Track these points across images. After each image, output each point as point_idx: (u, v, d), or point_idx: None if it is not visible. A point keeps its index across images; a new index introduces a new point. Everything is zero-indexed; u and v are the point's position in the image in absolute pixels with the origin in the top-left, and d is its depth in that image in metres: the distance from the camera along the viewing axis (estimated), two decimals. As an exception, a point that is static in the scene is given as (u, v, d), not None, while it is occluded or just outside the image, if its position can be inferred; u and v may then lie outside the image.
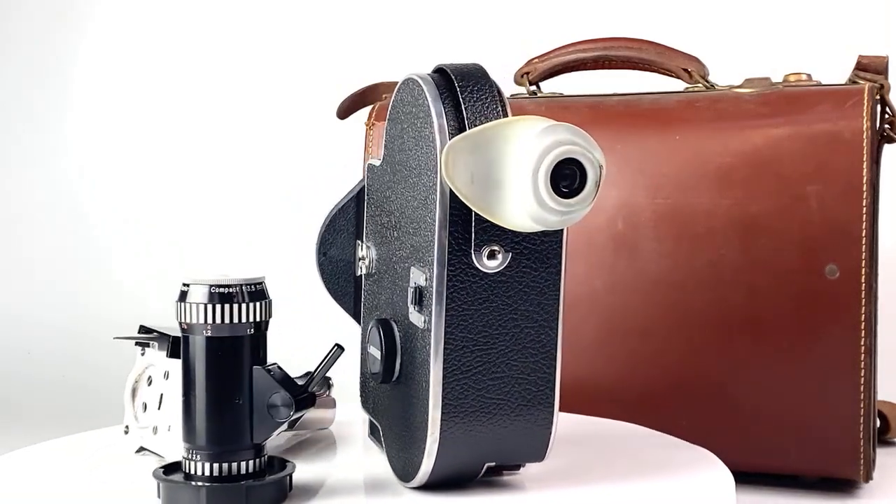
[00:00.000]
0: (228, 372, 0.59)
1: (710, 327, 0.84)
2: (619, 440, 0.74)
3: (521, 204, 0.56)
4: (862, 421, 0.82)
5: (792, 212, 0.83)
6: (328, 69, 1.46)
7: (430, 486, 0.61)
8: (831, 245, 0.82)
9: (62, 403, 1.22)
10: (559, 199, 0.56)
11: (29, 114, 1.63)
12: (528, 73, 0.96)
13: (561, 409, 0.80)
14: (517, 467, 0.63)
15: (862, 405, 0.82)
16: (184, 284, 0.59)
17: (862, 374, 0.82)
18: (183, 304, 0.59)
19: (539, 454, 0.62)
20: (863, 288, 0.81)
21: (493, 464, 0.62)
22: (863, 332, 0.81)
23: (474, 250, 0.58)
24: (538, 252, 0.59)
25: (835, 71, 0.89)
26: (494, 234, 0.58)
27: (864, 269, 0.81)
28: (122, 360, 1.31)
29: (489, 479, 0.63)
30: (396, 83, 0.99)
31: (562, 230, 0.59)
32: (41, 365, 1.35)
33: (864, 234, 0.81)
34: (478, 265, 0.58)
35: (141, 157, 1.59)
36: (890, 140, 0.85)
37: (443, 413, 0.59)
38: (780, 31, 1.35)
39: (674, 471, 0.67)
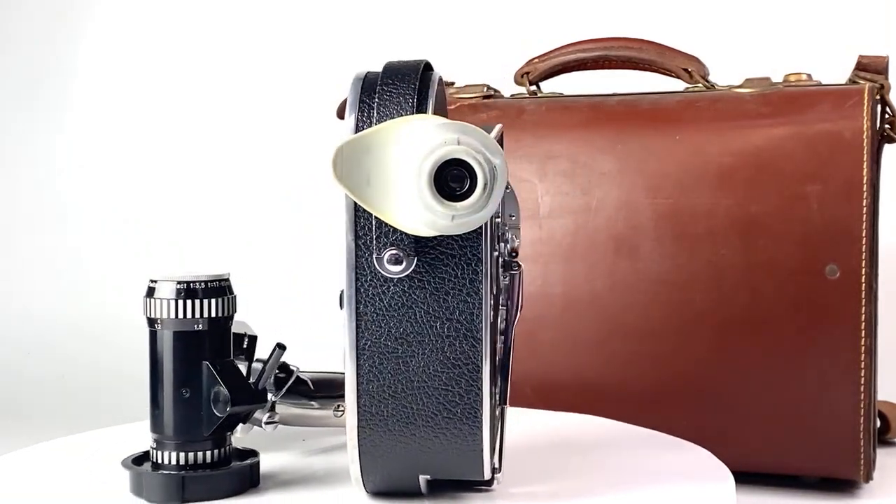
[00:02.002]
0: (175, 365, 0.61)
1: (711, 327, 0.84)
2: (619, 440, 0.74)
3: (411, 207, 0.53)
4: (862, 421, 0.82)
5: (792, 212, 0.83)
6: (328, 69, 1.46)
7: (384, 494, 0.60)
8: (831, 245, 0.82)
9: (62, 403, 1.22)
10: (446, 202, 0.53)
11: (29, 113, 1.63)
12: (528, 73, 0.96)
13: (561, 409, 0.81)
14: (489, 483, 0.61)
15: (862, 405, 0.82)
16: (150, 281, 0.62)
17: (862, 375, 0.82)
18: (145, 298, 0.62)
19: (476, 471, 0.58)
20: (863, 288, 0.81)
21: (428, 476, 0.59)
22: (863, 332, 0.81)
23: (376, 255, 0.56)
24: (451, 258, 0.56)
25: (835, 71, 0.89)
26: (397, 238, 0.56)
27: (864, 269, 0.81)
28: (123, 360, 1.31)
29: (464, 490, 0.61)
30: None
31: (481, 235, 0.56)
32: (41, 365, 1.35)
33: (864, 234, 0.81)
34: (380, 270, 0.56)
35: (142, 157, 1.59)
36: (890, 140, 0.85)
37: (359, 420, 0.58)
38: (780, 31, 1.35)
39: (674, 471, 0.67)
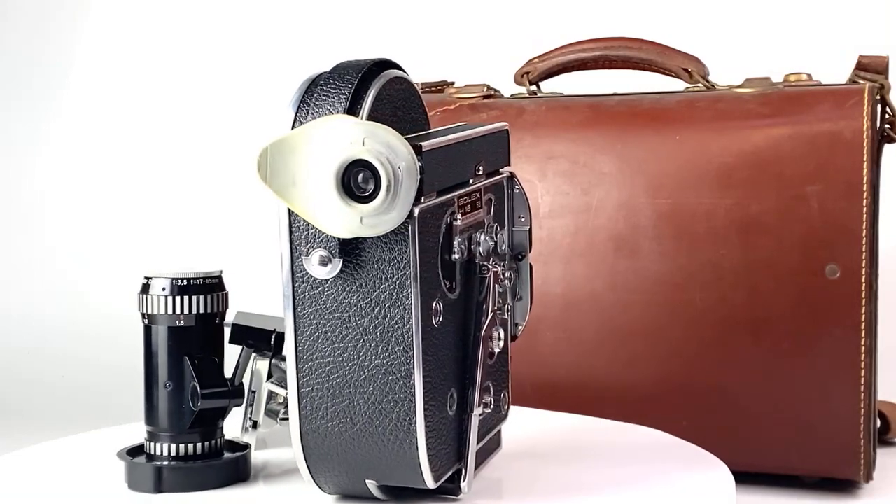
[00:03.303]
0: (160, 359, 0.63)
1: (711, 327, 0.84)
2: (620, 440, 0.74)
3: (327, 209, 0.53)
4: (862, 421, 0.82)
5: (792, 212, 0.83)
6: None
7: (347, 496, 0.60)
8: (831, 245, 0.82)
9: (62, 403, 1.22)
10: (353, 204, 0.53)
11: (29, 113, 1.63)
12: (528, 73, 0.96)
13: (561, 409, 0.81)
14: (454, 492, 0.60)
15: (862, 405, 0.82)
16: (144, 277, 0.64)
17: (862, 375, 0.82)
18: (139, 294, 0.64)
19: (417, 480, 0.57)
20: (863, 288, 0.81)
21: (374, 482, 0.58)
22: (863, 332, 0.81)
23: (304, 255, 0.56)
24: (377, 262, 0.55)
25: (835, 71, 0.89)
26: (324, 240, 0.55)
27: (864, 269, 0.81)
28: (123, 360, 1.31)
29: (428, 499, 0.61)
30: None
31: (407, 237, 0.55)
32: (41, 365, 1.35)
33: (864, 234, 0.81)
34: (309, 271, 0.56)
35: (142, 158, 1.59)
36: (890, 140, 0.85)
37: (301, 423, 0.57)
38: (780, 31, 1.35)
39: (674, 471, 0.67)
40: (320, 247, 0.55)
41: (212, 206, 1.55)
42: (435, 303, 0.57)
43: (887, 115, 0.85)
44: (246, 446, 0.66)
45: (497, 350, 0.62)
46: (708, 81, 0.91)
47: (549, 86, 0.97)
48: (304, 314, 0.57)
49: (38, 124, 1.63)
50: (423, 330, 0.55)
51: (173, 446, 0.63)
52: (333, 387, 0.57)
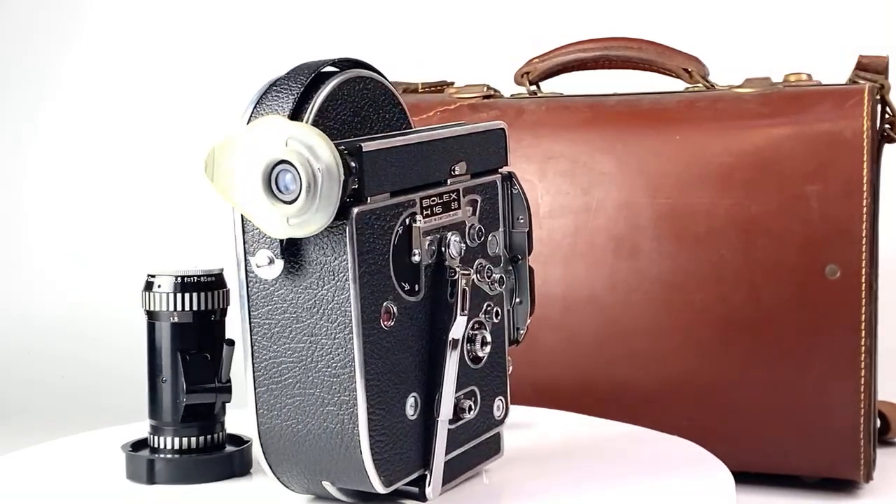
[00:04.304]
0: (157, 354, 0.65)
1: (711, 327, 0.84)
2: (619, 440, 0.74)
3: (257, 209, 0.53)
4: (862, 421, 0.82)
5: (792, 212, 0.83)
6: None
7: (321, 497, 0.60)
8: (831, 245, 0.82)
9: (62, 403, 1.22)
10: (277, 204, 0.53)
11: (28, 113, 1.63)
12: (528, 73, 0.96)
13: (561, 409, 0.81)
14: (419, 497, 0.59)
15: (862, 405, 0.82)
16: (148, 275, 0.66)
17: (862, 375, 0.82)
18: (142, 291, 0.66)
19: (366, 483, 0.57)
20: (863, 288, 0.81)
21: (329, 483, 0.58)
22: (863, 332, 0.81)
23: (249, 255, 0.56)
24: (316, 263, 0.55)
25: (835, 71, 0.89)
26: (268, 240, 0.55)
27: (864, 270, 0.81)
28: (122, 360, 1.31)
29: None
30: (396, 83, 1.00)
31: (344, 241, 0.54)
32: (41, 365, 1.35)
33: (864, 235, 0.81)
34: (255, 271, 0.56)
35: (142, 157, 1.59)
36: (890, 140, 0.85)
37: (258, 416, 0.58)
38: (780, 31, 1.35)
39: (674, 471, 0.67)
40: (265, 247, 0.56)
41: (212, 207, 1.55)
42: (387, 304, 0.56)
43: (887, 115, 0.85)
44: (249, 441, 0.67)
45: (482, 355, 0.61)
46: (708, 81, 0.91)
47: (549, 86, 0.97)
48: (257, 314, 0.57)
49: (38, 124, 1.63)
50: (367, 332, 0.55)
51: (175, 439, 0.65)
52: (286, 386, 0.57)
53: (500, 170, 0.65)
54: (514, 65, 0.97)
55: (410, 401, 0.58)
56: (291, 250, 0.55)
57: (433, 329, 0.59)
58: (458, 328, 0.59)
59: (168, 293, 0.64)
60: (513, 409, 0.67)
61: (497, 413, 0.64)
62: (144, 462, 0.65)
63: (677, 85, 0.92)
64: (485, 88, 0.95)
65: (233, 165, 0.54)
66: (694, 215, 0.85)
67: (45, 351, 1.39)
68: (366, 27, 1.51)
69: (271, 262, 0.55)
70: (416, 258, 0.58)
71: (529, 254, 0.65)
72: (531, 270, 0.65)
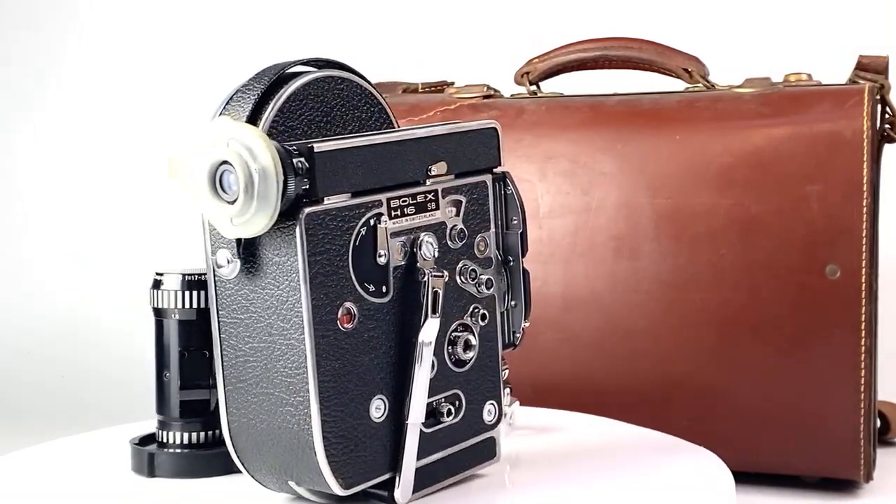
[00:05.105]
0: (161, 351, 0.67)
1: (711, 327, 0.84)
2: (619, 440, 0.74)
3: (207, 208, 0.54)
4: (862, 421, 0.82)
5: (792, 212, 0.83)
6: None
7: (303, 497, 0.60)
8: (832, 245, 0.82)
9: (62, 403, 1.22)
10: (220, 203, 0.53)
11: (28, 112, 1.63)
12: (528, 73, 0.96)
13: (561, 409, 0.81)
14: (387, 500, 0.58)
15: (862, 405, 0.82)
16: (156, 273, 0.67)
17: (862, 375, 0.82)
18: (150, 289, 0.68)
19: (322, 484, 0.56)
20: (863, 288, 0.81)
21: (294, 483, 0.58)
22: (863, 332, 0.81)
23: (211, 254, 0.56)
24: (270, 263, 0.55)
25: (835, 71, 0.89)
26: (225, 240, 0.56)
27: (864, 269, 0.81)
28: (122, 360, 1.31)
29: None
30: (396, 83, 1.00)
31: (294, 243, 0.54)
32: (41, 365, 1.35)
33: (864, 234, 0.81)
34: (216, 270, 0.56)
35: (142, 158, 1.59)
36: (890, 140, 0.85)
37: (227, 413, 0.58)
38: (780, 31, 1.35)
39: (674, 471, 0.67)
40: (224, 247, 0.56)
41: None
42: (347, 305, 0.56)
43: (887, 115, 0.85)
44: None
45: (466, 358, 0.61)
46: (708, 81, 0.91)
47: (549, 86, 0.97)
48: (224, 312, 0.57)
49: (38, 124, 1.63)
50: (322, 333, 0.55)
51: (179, 434, 0.66)
52: (250, 384, 0.57)
53: (494, 170, 0.63)
54: (514, 65, 0.97)
55: (377, 403, 0.57)
56: (250, 250, 0.55)
57: (405, 331, 0.58)
58: (429, 330, 0.58)
59: (173, 291, 0.65)
60: (514, 409, 0.67)
61: (488, 418, 0.63)
62: (146, 455, 0.66)
63: (677, 85, 0.92)
64: (485, 88, 0.95)
65: (188, 165, 0.54)
66: (694, 215, 0.85)
67: (45, 351, 1.39)
68: (366, 27, 1.51)
69: (229, 261, 0.56)
70: (383, 259, 0.57)
71: (524, 255, 0.64)
72: (526, 272, 0.64)
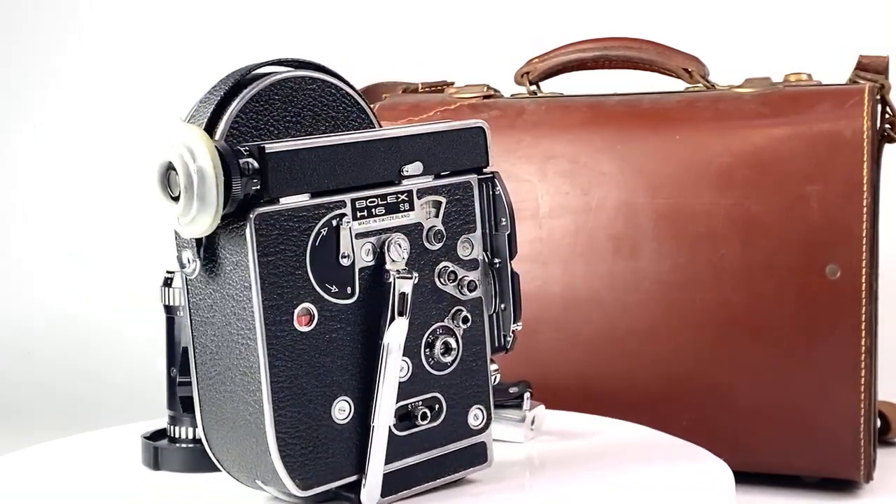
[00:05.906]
0: (170, 347, 0.68)
1: (711, 327, 0.84)
2: (619, 440, 0.74)
3: (160, 208, 0.54)
4: (862, 421, 0.82)
5: (792, 212, 0.83)
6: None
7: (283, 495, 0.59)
8: (832, 245, 0.82)
9: (62, 403, 1.22)
10: (166, 203, 0.54)
11: (28, 113, 1.63)
12: (528, 73, 0.96)
13: (562, 409, 0.81)
14: (353, 501, 0.58)
15: (862, 405, 0.82)
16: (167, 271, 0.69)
17: (862, 375, 0.82)
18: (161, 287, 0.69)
19: (280, 484, 0.56)
20: (863, 288, 0.81)
21: (261, 482, 0.58)
22: (863, 332, 0.81)
23: (177, 252, 0.57)
24: (226, 263, 0.55)
25: (835, 71, 0.89)
26: (186, 240, 0.56)
27: (864, 269, 0.81)
28: (122, 360, 1.31)
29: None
30: (396, 83, 1.00)
31: (244, 246, 0.54)
32: (41, 365, 1.35)
33: (864, 234, 0.81)
34: (182, 269, 0.57)
35: (142, 157, 1.59)
36: (890, 140, 0.85)
37: (201, 409, 0.58)
38: (780, 31, 1.35)
39: (674, 471, 0.67)
40: (187, 247, 0.56)
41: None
42: (305, 306, 0.55)
43: (887, 115, 0.85)
44: None
45: (446, 361, 0.60)
46: (708, 81, 0.91)
47: (549, 86, 0.97)
48: (194, 310, 0.57)
49: (38, 124, 1.63)
50: (275, 333, 0.54)
51: (189, 429, 0.67)
52: (216, 382, 0.57)
53: (483, 170, 0.62)
54: (514, 65, 0.97)
55: (340, 405, 0.57)
56: (211, 249, 0.56)
57: (374, 333, 0.57)
58: (395, 332, 0.57)
59: (180, 288, 0.65)
60: (536, 413, 0.67)
61: (474, 422, 0.62)
62: (151, 449, 0.67)
63: (677, 85, 0.92)
64: (485, 88, 0.95)
65: (160, 168, 0.55)
66: (694, 215, 0.85)
67: (45, 351, 1.39)
68: (366, 28, 1.51)
69: (190, 261, 0.56)
70: (347, 260, 0.57)
71: (513, 257, 0.62)
72: (515, 275, 0.63)
